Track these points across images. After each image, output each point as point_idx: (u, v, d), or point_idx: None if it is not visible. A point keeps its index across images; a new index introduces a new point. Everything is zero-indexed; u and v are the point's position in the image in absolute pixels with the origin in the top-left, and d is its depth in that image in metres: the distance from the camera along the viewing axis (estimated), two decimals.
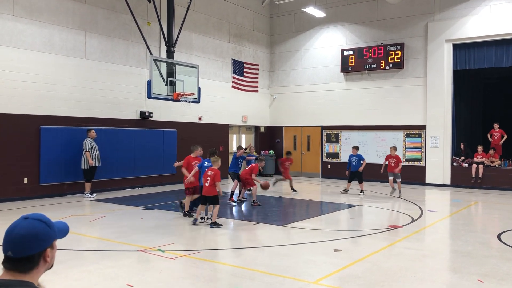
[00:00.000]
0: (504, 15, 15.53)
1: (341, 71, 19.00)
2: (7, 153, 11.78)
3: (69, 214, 10.02)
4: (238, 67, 19.26)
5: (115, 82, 14.39)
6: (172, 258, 6.59)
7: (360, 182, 14.05)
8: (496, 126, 16.85)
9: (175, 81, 13.13)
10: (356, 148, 14.47)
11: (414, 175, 17.33)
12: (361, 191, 13.99)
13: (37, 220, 1.73)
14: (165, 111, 15.93)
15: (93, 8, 13.82)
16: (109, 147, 13.92)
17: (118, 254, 6.86)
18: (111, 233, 8.32)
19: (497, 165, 16.03)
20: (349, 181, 14.22)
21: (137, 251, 7.01)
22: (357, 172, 14.00)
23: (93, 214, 10.27)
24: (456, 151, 17.16)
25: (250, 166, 12.23)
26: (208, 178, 8.90)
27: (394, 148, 14.12)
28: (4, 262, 1.68)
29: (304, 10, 18.13)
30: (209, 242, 7.96)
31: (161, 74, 12.90)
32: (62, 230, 1.84)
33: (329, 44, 19.53)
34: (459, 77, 17.38)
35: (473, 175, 16.01)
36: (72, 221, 9.18)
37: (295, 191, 14.27)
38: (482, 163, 16.04)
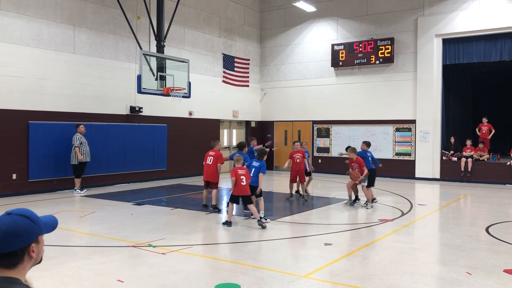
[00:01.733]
0: (493, 10, 15.64)
1: (331, 66, 19.03)
2: None
3: (58, 210, 9.96)
4: (228, 62, 19.21)
5: (104, 77, 14.29)
6: (163, 253, 6.58)
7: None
8: (484, 120, 17.01)
9: (165, 76, 13.05)
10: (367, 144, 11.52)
11: (404, 169, 17.46)
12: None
13: (20, 216, 1.69)
14: (155, 106, 15.86)
15: (82, 2, 13.68)
16: (98, 143, 13.84)
17: (109, 250, 6.84)
18: (101, 229, 8.28)
19: (485, 159, 16.20)
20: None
21: (128, 246, 6.99)
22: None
23: (83, 210, 10.22)
24: (445, 145, 17.30)
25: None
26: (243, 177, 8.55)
27: (352, 150, 10.70)
28: None
29: (295, 4, 18.11)
30: (200, 237, 7.96)
31: (151, 69, 12.82)
32: (49, 225, 1.81)
33: (319, 38, 19.54)
34: (448, 71, 17.50)
35: (462, 169, 16.17)
36: (62, 217, 9.12)
37: (357, 201, 11.31)
38: (471, 157, 16.19)
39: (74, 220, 9.15)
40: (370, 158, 11.14)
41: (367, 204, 10.81)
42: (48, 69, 12.80)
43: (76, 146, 12.53)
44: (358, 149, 11.37)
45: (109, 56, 14.46)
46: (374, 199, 11.15)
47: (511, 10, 15.33)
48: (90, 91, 13.90)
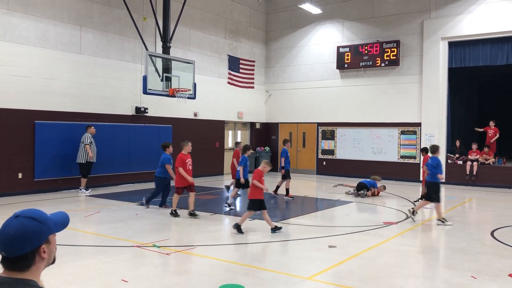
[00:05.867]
0: (499, 13, 15.58)
1: (337, 68, 19.01)
2: (2, 148, 11.72)
3: (63, 210, 9.97)
4: (234, 63, 19.23)
5: (110, 77, 14.34)
6: (167, 254, 6.59)
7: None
8: (491, 123, 16.92)
9: (170, 77, 13.09)
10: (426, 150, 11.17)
11: (409, 172, 17.40)
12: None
13: (28, 218, 1.67)
14: (160, 107, 15.90)
15: (88, 2, 13.74)
16: (104, 143, 13.87)
17: (113, 250, 6.86)
18: (106, 229, 8.31)
19: (491, 163, 16.12)
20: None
21: (132, 246, 7.01)
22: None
23: (88, 210, 10.25)
24: (451, 149, 17.22)
25: None
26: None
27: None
28: (1, 261, 1.67)
29: (300, 6, 18.10)
30: (204, 238, 7.96)
31: (156, 70, 12.87)
32: (60, 223, 1.79)
33: (325, 40, 19.53)
34: (454, 74, 17.43)
35: (468, 173, 16.09)
36: None
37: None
38: (476, 160, 16.12)
39: (79, 219, 9.17)
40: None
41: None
42: (55, 69, 12.87)
43: (86, 144, 12.62)
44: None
45: (115, 56, 14.52)
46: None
47: None
48: (96, 91, 13.96)
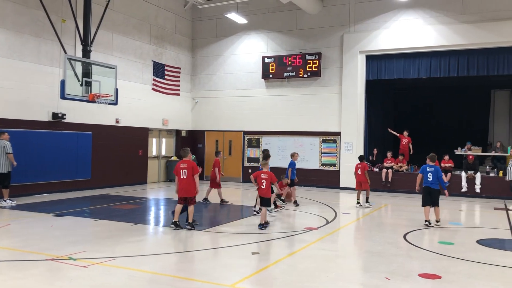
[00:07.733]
0: (412, 30, 16.73)
1: (262, 78, 19.34)
2: None
3: None
4: (159, 70, 18.91)
5: (25, 81, 13.51)
6: (84, 266, 6.29)
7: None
8: (405, 133, 18.05)
9: (91, 82, 12.60)
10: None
11: (329, 179, 18.05)
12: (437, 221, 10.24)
13: None
14: (79, 113, 15.21)
15: (0, 1, 12.88)
16: (17, 150, 12.93)
17: (25, 264, 6.43)
18: (17, 242, 7.77)
19: (404, 170, 17.15)
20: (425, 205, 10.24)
21: (46, 260, 6.61)
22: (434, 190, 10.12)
23: None
24: (368, 156, 18.08)
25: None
26: (264, 181, 9.61)
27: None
28: None
29: (226, 15, 18.26)
30: (125, 248, 7.69)
31: (76, 74, 12.34)
32: None
33: (250, 50, 19.81)
34: (372, 86, 18.40)
35: (383, 179, 16.99)
36: None
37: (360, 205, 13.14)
38: (391, 167, 17.08)
39: None
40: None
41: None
42: None
43: (9, 153, 11.85)
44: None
45: (31, 59, 13.70)
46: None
47: (427, 31, 16.49)
48: (8, 95, 13.07)
